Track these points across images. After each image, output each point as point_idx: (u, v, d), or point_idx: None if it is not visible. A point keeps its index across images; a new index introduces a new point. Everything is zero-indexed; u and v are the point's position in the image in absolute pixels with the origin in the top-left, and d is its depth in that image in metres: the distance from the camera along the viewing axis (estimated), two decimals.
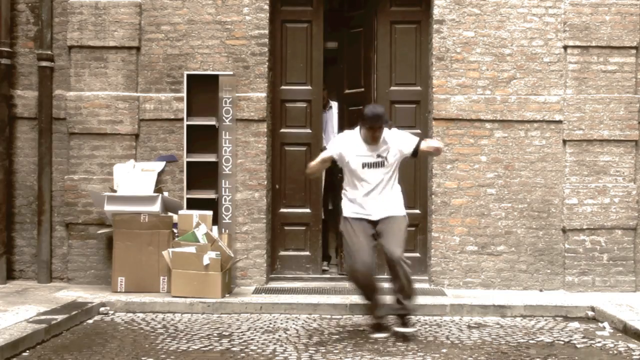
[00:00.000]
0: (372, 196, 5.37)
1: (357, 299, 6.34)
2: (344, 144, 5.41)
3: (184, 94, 6.93)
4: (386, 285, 5.47)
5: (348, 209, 5.46)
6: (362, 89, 7.34)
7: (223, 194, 6.87)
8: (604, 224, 6.87)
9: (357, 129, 5.41)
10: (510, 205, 6.92)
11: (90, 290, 6.63)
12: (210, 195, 6.93)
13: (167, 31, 6.98)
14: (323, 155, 5.46)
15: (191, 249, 6.25)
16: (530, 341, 5.30)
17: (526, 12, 6.93)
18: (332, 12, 7.68)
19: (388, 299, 5.46)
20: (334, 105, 7.91)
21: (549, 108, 6.91)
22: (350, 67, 7.60)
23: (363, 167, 5.34)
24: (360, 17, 7.52)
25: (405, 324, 5.35)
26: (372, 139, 5.29)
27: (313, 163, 5.52)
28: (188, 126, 6.94)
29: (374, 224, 5.38)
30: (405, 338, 5.25)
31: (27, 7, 7.16)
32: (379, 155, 5.34)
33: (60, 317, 5.44)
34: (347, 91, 7.65)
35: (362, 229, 5.35)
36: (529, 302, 6.29)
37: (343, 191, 5.55)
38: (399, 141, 5.42)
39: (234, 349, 4.96)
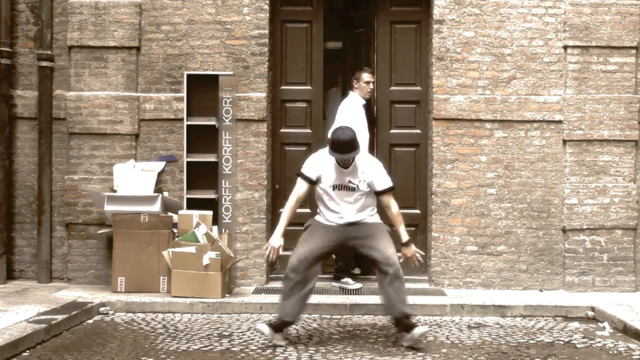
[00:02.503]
0: (346, 216, 5.18)
1: (357, 299, 6.37)
2: (318, 162, 5.24)
3: (184, 94, 6.93)
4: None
5: (319, 217, 5.32)
6: None
7: (223, 194, 6.87)
8: (604, 224, 6.87)
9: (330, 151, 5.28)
10: (510, 205, 6.92)
11: (90, 290, 6.63)
12: (210, 195, 6.92)
13: (167, 31, 6.98)
14: (299, 188, 5.20)
15: (191, 249, 6.25)
16: (530, 341, 5.30)
17: (526, 12, 6.93)
18: (333, 12, 7.68)
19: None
20: (353, 97, 7.05)
21: (549, 108, 6.91)
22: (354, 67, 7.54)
23: (333, 189, 5.17)
24: (361, 17, 7.52)
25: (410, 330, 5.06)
26: (342, 164, 5.14)
27: (287, 209, 5.18)
28: (188, 126, 6.94)
29: (344, 229, 5.16)
30: (419, 343, 5.02)
31: (27, 7, 7.17)
32: (350, 181, 5.16)
33: (60, 317, 5.44)
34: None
35: (322, 234, 5.15)
36: (529, 302, 6.29)
37: (318, 210, 5.36)
38: (373, 173, 5.19)
39: (234, 349, 4.96)
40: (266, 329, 5.04)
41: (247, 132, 6.97)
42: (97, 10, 6.95)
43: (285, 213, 5.19)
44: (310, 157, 5.39)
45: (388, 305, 5.07)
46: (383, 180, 5.23)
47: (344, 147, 5.02)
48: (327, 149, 5.19)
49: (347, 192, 5.17)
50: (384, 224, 5.33)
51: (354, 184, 5.16)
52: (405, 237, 5.20)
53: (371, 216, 5.28)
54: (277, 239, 5.07)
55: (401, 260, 5.17)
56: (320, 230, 5.21)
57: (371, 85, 7.00)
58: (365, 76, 6.96)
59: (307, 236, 5.21)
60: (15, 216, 7.19)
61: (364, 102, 6.96)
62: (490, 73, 6.92)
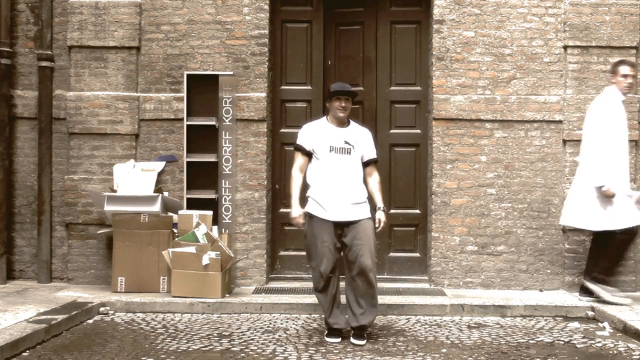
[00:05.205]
0: (337, 189, 5.17)
1: None
2: (312, 130, 5.35)
3: (184, 94, 6.93)
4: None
5: (312, 207, 5.29)
6: (362, 88, 7.33)
7: (223, 194, 6.87)
8: None
9: (324, 117, 5.44)
10: (510, 205, 6.92)
11: (90, 290, 6.64)
12: (210, 195, 6.93)
13: (167, 31, 6.98)
14: (298, 161, 5.34)
15: (191, 249, 6.26)
16: (530, 341, 5.31)
17: (526, 12, 6.93)
18: (330, 11, 7.66)
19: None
20: (610, 92, 6.31)
21: (549, 108, 6.91)
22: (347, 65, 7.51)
23: (330, 150, 5.24)
24: (360, 16, 7.51)
25: (360, 336, 5.18)
26: (341, 109, 5.22)
27: (295, 182, 5.33)
28: (188, 126, 6.94)
29: (337, 226, 5.19)
30: (359, 347, 5.09)
31: (27, 7, 7.17)
32: (346, 142, 5.25)
33: (60, 317, 5.45)
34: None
35: (326, 231, 5.18)
36: (529, 302, 6.29)
37: (308, 191, 5.35)
38: (366, 140, 5.39)
39: (234, 349, 4.97)
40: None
41: (247, 132, 6.97)
42: (97, 10, 6.95)
43: (295, 184, 5.34)
44: (303, 128, 5.47)
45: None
46: (373, 150, 5.45)
47: (344, 86, 5.34)
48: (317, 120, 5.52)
49: (344, 156, 5.24)
50: (371, 220, 5.31)
51: (350, 144, 5.26)
52: (381, 203, 5.35)
53: (363, 208, 5.28)
54: (296, 210, 5.28)
55: (377, 226, 5.27)
56: (321, 234, 5.21)
57: (629, 79, 6.18)
58: (623, 69, 6.17)
59: (313, 239, 5.25)
60: (15, 216, 7.20)
61: (623, 97, 6.20)
62: (490, 73, 6.92)
